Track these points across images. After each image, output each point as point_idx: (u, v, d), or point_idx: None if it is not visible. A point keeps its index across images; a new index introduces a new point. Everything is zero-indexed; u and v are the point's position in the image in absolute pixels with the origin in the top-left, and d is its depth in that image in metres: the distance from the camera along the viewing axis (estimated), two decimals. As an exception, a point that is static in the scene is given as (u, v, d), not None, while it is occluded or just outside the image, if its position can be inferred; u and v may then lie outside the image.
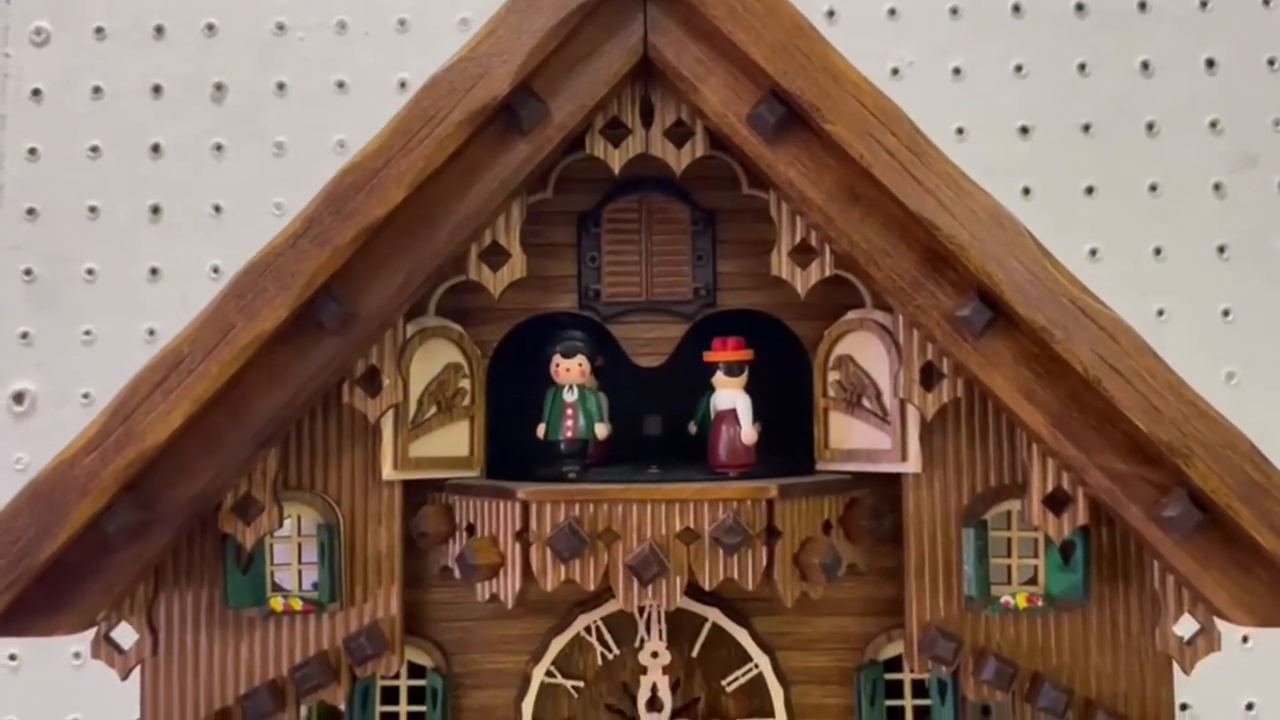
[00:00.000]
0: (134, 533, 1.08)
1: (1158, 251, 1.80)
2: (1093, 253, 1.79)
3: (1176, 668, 1.22)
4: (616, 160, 1.19)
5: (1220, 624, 1.72)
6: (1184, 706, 1.74)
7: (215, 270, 1.80)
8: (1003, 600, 1.21)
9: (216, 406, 1.09)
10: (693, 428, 1.33)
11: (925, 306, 1.12)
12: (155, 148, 1.84)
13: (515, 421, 1.30)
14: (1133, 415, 1.05)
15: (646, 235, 1.31)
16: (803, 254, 1.19)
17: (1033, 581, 1.23)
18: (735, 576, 1.17)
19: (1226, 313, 1.80)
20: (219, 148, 1.84)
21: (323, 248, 1.06)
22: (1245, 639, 1.76)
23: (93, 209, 1.83)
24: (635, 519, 1.17)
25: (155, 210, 1.84)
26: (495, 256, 1.20)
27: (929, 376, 1.18)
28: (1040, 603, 1.21)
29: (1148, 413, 1.05)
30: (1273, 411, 1.76)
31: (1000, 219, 1.08)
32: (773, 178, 1.15)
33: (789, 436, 1.31)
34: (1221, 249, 1.80)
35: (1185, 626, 1.16)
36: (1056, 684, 1.19)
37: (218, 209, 1.81)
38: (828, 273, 1.19)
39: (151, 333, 1.80)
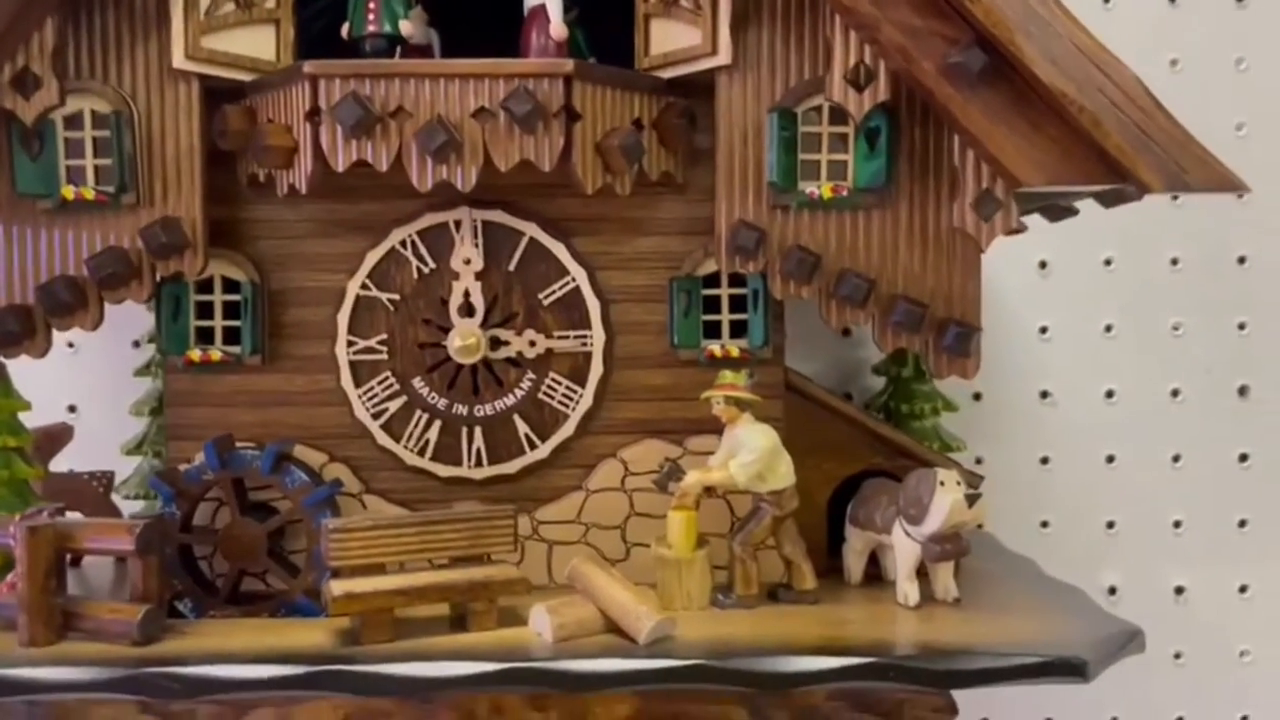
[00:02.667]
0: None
1: (1173, 0, 1.73)
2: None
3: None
4: None
5: (1082, 443, 1.67)
6: (1044, 524, 1.75)
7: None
8: (808, 191, 1.19)
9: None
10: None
11: None
12: None
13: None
14: (917, -52, 1.01)
15: None
16: None
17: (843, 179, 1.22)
18: (532, 157, 1.15)
19: (1239, 61, 1.73)
20: None
21: None
22: (1110, 458, 1.75)
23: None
24: (428, 95, 1.14)
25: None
26: None
27: (734, -51, 1.14)
28: (845, 192, 1.19)
29: (931, -55, 1.01)
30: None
31: None
32: None
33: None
34: None
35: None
36: (859, 274, 1.18)
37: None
38: None
39: None
